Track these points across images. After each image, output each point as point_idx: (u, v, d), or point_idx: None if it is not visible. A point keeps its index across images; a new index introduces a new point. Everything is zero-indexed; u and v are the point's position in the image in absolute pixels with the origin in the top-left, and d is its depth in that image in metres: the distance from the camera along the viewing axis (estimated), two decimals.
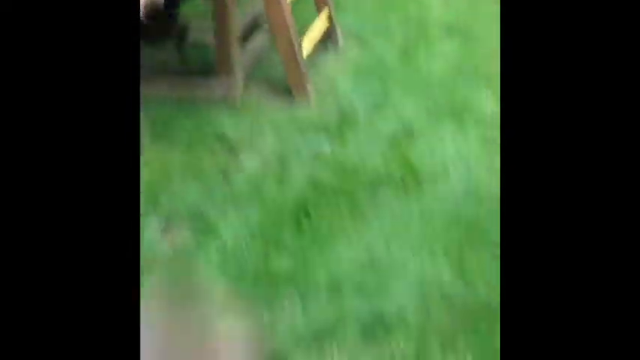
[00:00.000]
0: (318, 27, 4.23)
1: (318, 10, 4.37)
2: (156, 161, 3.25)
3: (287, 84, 3.82)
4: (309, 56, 3.99)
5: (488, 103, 3.67)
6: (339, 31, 4.45)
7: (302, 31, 3.99)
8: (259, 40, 4.19)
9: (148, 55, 4.10)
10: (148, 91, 3.14)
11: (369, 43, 4.47)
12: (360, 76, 4.01)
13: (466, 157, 3.31)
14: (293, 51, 3.74)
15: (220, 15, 3.55)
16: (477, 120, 3.58)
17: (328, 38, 4.38)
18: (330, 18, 4.36)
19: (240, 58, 3.73)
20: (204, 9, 3.91)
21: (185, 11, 4.01)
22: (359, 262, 2.70)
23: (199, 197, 3.07)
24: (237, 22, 3.73)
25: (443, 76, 4.04)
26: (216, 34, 3.58)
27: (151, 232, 2.85)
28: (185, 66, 4.01)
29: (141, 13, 2.77)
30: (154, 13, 3.05)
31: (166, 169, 3.24)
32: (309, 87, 3.78)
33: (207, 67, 4.03)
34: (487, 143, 3.37)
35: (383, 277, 2.62)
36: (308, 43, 4.00)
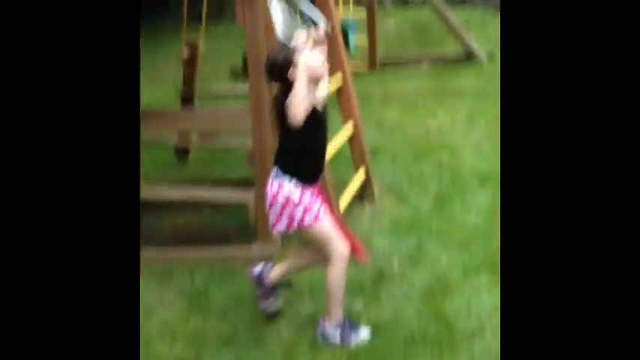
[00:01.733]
0: (355, 182, 4.39)
1: (356, 166, 4.55)
2: (191, 335, 3.29)
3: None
4: (346, 210, 4.12)
5: None
6: (375, 184, 4.60)
7: (339, 186, 4.14)
8: None
9: (183, 221, 4.32)
10: (185, 258, 3.30)
11: (404, 193, 4.60)
12: (395, 229, 4.11)
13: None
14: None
15: (261, 180, 3.70)
16: None
17: (364, 191, 4.53)
18: (367, 172, 4.52)
19: None
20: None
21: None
22: None
23: None
24: None
25: (477, 227, 4.11)
26: (256, 198, 3.72)
27: None
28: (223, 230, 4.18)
29: None
30: None
31: (201, 341, 3.25)
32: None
33: (245, 228, 4.19)
34: None
35: None
36: (345, 198, 4.14)
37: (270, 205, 3.00)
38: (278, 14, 2.66)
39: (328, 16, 4.39)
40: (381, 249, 3.87)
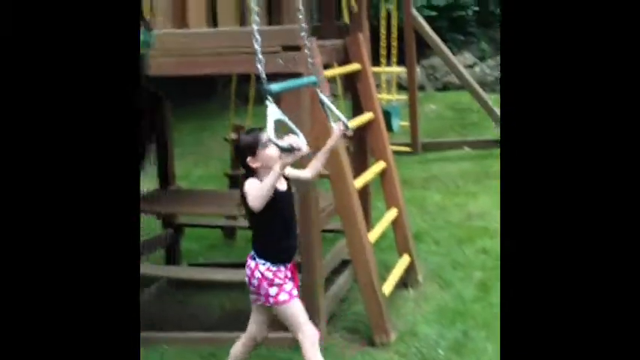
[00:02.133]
0: (399, 267, 4.39)
1: (399, 251, 4.56)
2: None
3: (368, 322, 3.90)
4: (391, 295, 4.10)
5: None
6: (419, 269, 4.59)
7: (383, 271, 4.14)
8: (342, 279, 4.37)
9: (230, 302, 4.34)
10: (232, 339, 3.29)
11: (448, 278, 4.58)
12: (439, 317, 4.06)
13: None
14: (374, 291, 3.85)
15: (308, 264, 3.74)
16: None
17: (408, 277, 4.51)
18: (411, 258, 4.52)
19: (324, 304, 3.86)
20: None
21: None
22: None
23: None
24: (323, 272, 3.90)
25: None
26: (302, 283, 3.73)
27: None
28: None
29: None
30: None
31: None
32: (389, 327, 3.84)
33: None
34: None
35: None
36: (389, 283, 4.14)
37: (248, 283, 3.09)
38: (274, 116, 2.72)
39: (370, 102, 4.49)
40: (425, 337, 3.83)
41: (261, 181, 2.92)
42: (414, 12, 8.72)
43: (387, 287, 4.09)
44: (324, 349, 3.72)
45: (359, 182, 4.10)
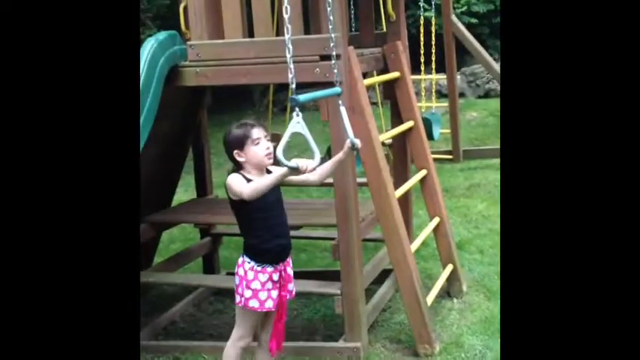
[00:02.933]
0: (442, 277, 4.31)
1: (443, 260, 4.48)
2: None
3: (411, 332, 3.83)
4: (434, 305, 4.02)
5: None
6: (463, 278, 4.50)
7: (426, 281, 4.06)
8: (384, 289, 4.31)
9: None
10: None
11: (493, 288, 4.47)
12: (485, 327, 3.96)
13: None
14: (417, 300, 3.78)
15: (348, 273, 3.69)
16: None
17: (452, 287, 4.43)
18: (454, 267, 4.43)
19: (366, 313, 3.80)
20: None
21: None
22: None
23: None
24: (364, 281, 3.85)
25: None
26: (342, 294, 3.69)
27: None
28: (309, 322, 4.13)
29: None
30: None
31: None
32: (433, 337, 3.76)
33: (331, 321, 4.16)
34: None
35: None
36: (432, 293, 4.06)
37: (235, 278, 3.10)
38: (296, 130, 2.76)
39: (410, 110, 4.44)
40: (471, 347, 3.74)
41: (244, 176, 2.96)
42: (454, 18, 8.63)
43: (430, 297, 4.01)
44: (366, 359, 3.68)
45: (399, 191, 4.04)
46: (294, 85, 2.87)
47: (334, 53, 3.30)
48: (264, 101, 11.92)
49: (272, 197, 3.01)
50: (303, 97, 2.82)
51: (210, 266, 5.01)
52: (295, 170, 2.72)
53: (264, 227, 3.02)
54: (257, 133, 2.99)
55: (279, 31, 4.17)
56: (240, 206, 2.97)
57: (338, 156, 3.13)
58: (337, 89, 3.18)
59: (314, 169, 2.80)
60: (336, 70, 3.32)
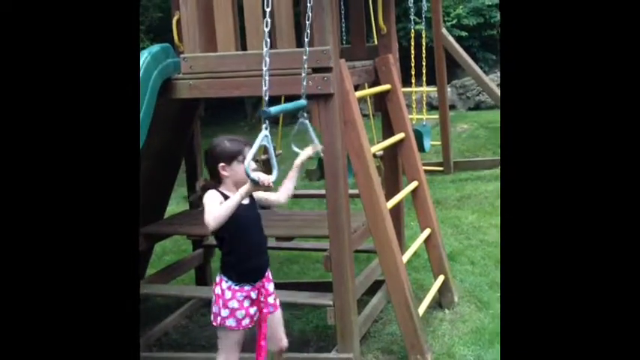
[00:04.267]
0: (433, 288, 4.33)
1: (434, 271, 4.50)
2: None
3: (403, 343, 3.84)
4: (425, 315, 4.04)
5: None
6: (454, 289, 4.52)
7: (418, 292, 4.07)
8: (376, 300, 4.32)
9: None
10: None
11: (484, 299, 4.50)
12: (476, 337, 3.99)
13: None
14: (409, 311, 3.80)
15: (340, 284, 3.71)
16: None
17: (443, 298, 4.45)
18: (445, 277, 4.46)
19: (358, 324, 3.82)
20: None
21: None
22: None
23: None
24: (356, 292, 3.86)
25: None
26: (334, 305, 3.70)
27: None
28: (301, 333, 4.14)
29: None
30: None
31: None
32: (425, 347, 3.78)
33: (323, 332, 4.17)
34: None
35: None
36: (424, 303, 4.08)
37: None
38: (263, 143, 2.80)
39: (401, 122, 4.48)
40: (463, 358, 3.76)
41: (222, 192, 2.92)
42: (444, 31, 8.70)
43: (422, 307, 4.03)
44: None
45: (391, 202, 4.07)
46: (267, 98, 2.89)
47: (305, 66, 3.32)
48: (255, 113, 11.97)
49: (250, 216, 3.00)
50: (274, 110, 2.88)
51: (202, 278, 5.02)
52: (256, 184, 2.73)
53: (242, 246, 2.99)
54: (247, 152, 2.95)
55: (272, 44, 4.20)
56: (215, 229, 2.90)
57: (295, 164, 3.10)
58: (303, 102, 3.21)
59: (270, 184, 2.78)
60: (305, 83, 3.31)
